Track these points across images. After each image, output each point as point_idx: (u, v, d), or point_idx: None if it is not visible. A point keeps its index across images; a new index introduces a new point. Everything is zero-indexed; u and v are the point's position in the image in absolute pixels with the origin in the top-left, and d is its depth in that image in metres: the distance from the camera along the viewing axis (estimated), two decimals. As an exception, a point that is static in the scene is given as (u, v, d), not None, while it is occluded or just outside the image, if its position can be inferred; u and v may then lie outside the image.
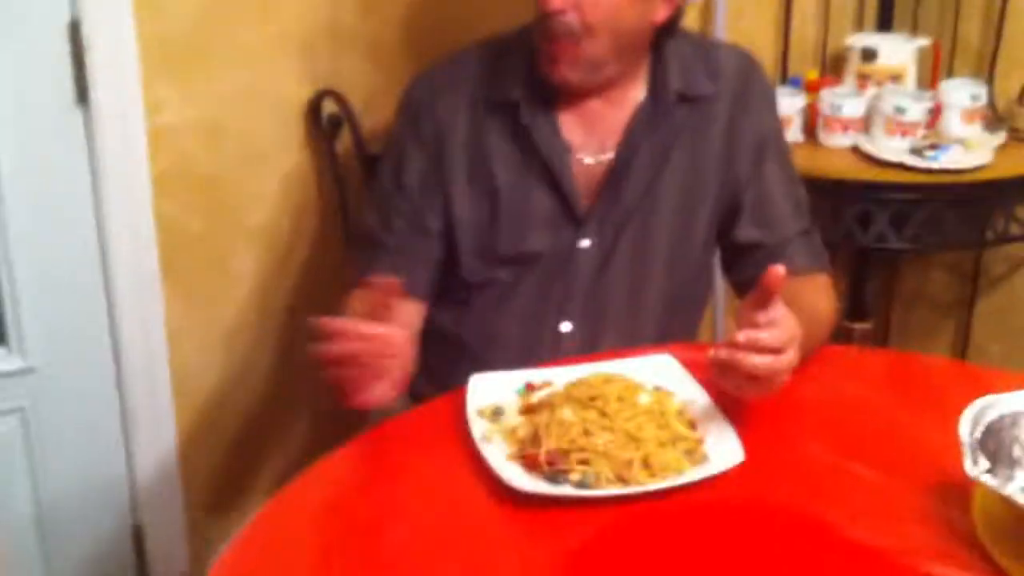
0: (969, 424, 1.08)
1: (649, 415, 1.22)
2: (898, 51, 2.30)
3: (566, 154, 1.51)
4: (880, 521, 1.12)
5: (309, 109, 1.93)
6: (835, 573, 1.07)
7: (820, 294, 1.52)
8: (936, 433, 1.21)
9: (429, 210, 1.54)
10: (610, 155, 1.52)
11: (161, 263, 1.88)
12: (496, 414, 1.28)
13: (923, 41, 2.35)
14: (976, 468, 1.03)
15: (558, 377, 1.33)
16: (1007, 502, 1.02)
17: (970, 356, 2.53)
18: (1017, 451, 1.11)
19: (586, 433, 1.19)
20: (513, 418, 1.27)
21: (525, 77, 1.51)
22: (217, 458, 2.05)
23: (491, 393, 1.31)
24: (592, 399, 1.23)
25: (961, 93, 2.23)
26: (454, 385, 1.33)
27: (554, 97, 1.51)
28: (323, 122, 1.92)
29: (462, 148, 1.53)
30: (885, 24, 2.49)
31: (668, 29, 1.51)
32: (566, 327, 1.55)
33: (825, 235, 2.24)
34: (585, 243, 1.53)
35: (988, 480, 1.02)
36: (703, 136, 1.52)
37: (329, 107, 1.92)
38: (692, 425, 1.24)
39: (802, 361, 1.26)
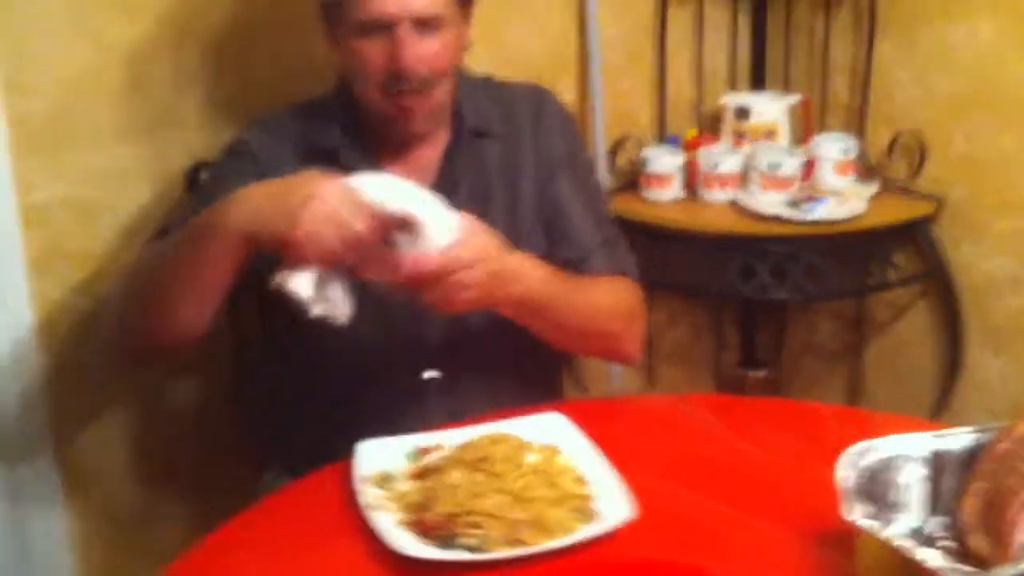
0: (847, 470, 1.09)
1: (537, 474, 1.22)
2: (770, 108, 2.37)
3: None
4: (768, 571, 1.12)
5: (184, 180, 1.90)
6: (727, 625, 1.08)
7: (612, 283, 1.58)
8: (822, 480, 1.22)
9: None
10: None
11: (39, 341, 1.84)
12: (385, 480, 1.26)
13: (794, 98, 2.42)
14: (854, 514, 1.04)
15: (447, 440, 1.32)
16: (889, 547, 1.03)
17: (861, 402, 2.58)
18: (896, 494, 1.13)
19: (475, 496, 1.18)
20: (403, 483, 1.26)
21: (342, 128, 1.57)
22: (103, 545, 1.99)
23: (379, 459, 1.29)
24: (480, 460, 1.23)
25: (833, 146, 2.30)
26: (332, 457, 1.32)
27: (372, 144, 1.57)
28: (201, 193, 1.90)
29: None
30: (758, 83, 2.56)
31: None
32: (427, 375, 1.56)
33: (710, 286, 2.33)
34: None
35: (866, 526, 1.03)
36: (518, 170, 1.59)
37: (205, 178, 1.90)
38: (581, 482, 1.24)
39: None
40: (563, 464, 1.27)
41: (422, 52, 1.47)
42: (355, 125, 1.58)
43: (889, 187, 2.36)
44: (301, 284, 1.32)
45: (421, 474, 1.26)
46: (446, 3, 1.49)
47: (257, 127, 1.63)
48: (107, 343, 1.51)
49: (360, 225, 1.29)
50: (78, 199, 1.84)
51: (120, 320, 1.50)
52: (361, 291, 1.44)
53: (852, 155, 2.30)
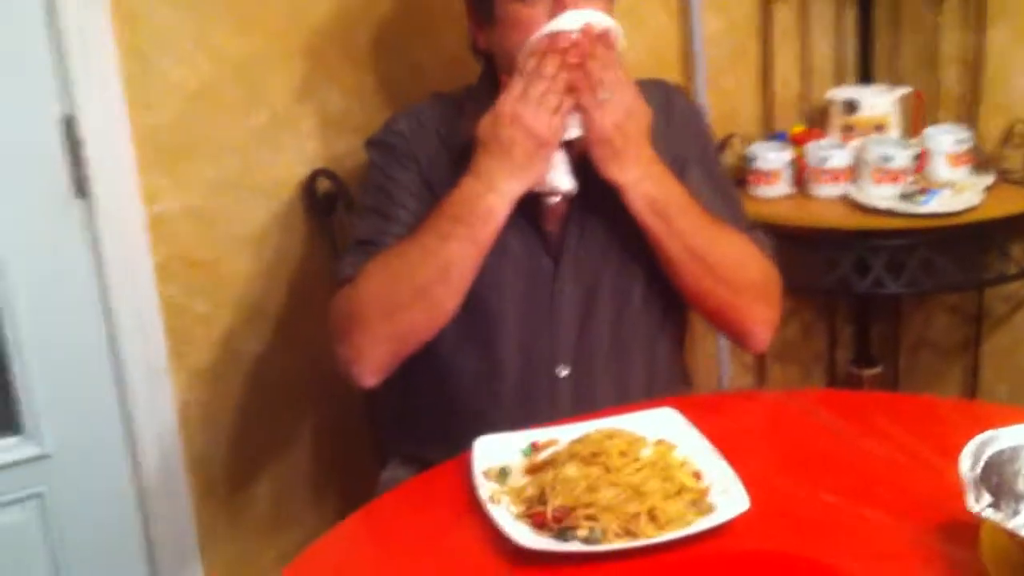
0: (969, 460, 1.08)
1: (653, 468, 1.23)
2: (880, 101, 2.34)
3: (533, 191, 1.52)
4: (887, 564, 1.11)
5: (303, 189, 1.96)
6: (845, 617, 1.07)
7: (745, 243, 1.57)
8: (941, 473, 1.21)
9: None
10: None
11: (168, 346, 1.91)
12: (502, 475, 1.28)
13: (904, 90, 2.39)
14: (978, 504, 1.03)
15: (562, 435, 1.34)
16: (1013, 536, 1.02)
17: (979, 397, 2.53)
18: (1020, 484, 1.11)
19: (591, 489, 1.19)
20: (519, 478, 1.28)
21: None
22: (233, 533, 2.06)
23: (496, 454, 1.32)
24: (595, 455, 1.24)
25: (945, 138, 2.26)
26: (459, 448, 1.34)
27: None
28: (318, 200, 1.95)
29: (438, 185, 1.56)
30: (865, 76, 2.53)
31: None
32: (563, 371, 1.57)
33: (822, 283, 2.30)
34: (566, 286, 1.56)
35: (990, 515, 1.02)
36: None
37: (323, 185, 1.95)
38: (696, 476, 1.25)
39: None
40: (678, 458, 1.27)
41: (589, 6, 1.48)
42: None
43: (1005, 178, 2.31)
44: (563, 179, 1.50)
45: (537, 468, 1.28)
46: None
47: (403, 116, 1.64)
48: (346, 363, 1.52)
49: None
50: (198, 209, 1.91)
51: (365, 336, 1.49)
52: (499, 291, 1.52)
53: (966, 146, 2.26)
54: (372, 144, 1.65)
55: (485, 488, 1.25)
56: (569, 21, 1.45)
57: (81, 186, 1.80)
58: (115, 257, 1.83)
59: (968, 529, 1.10)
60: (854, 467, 1.30)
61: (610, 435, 1.29)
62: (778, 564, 1.14)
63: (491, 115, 1.45)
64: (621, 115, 1.46)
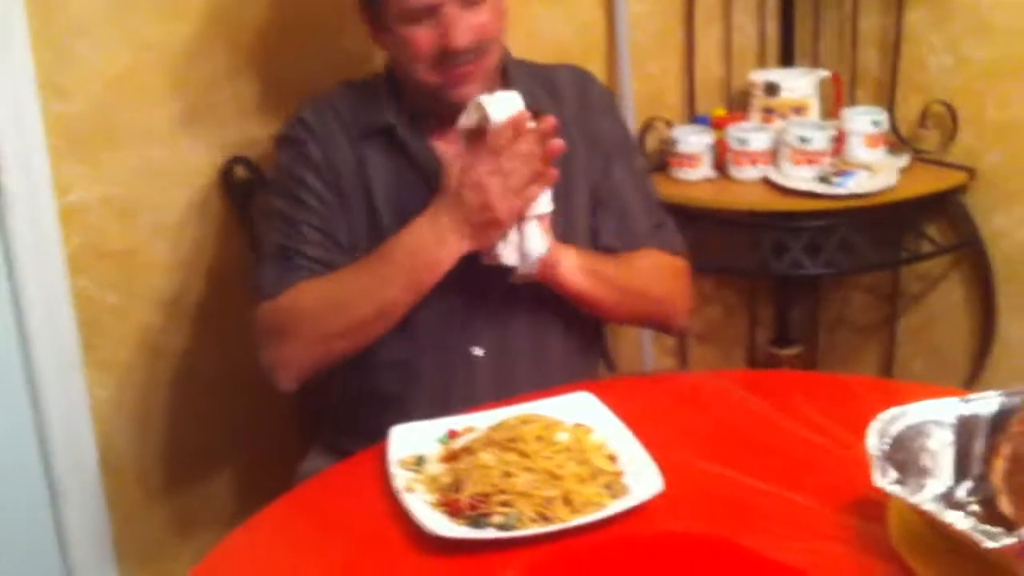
0: (876, 437, 1.10)
1: (568, 452, 1.24)
2: (800, 84, 2.36)
3: (442, 171, 1.55)
4: (801, 542, 1.12)
5: (220, 177, 1.93)
6: (759, 595, 1.08)
7: (652, 259, 1.65)
8: (852, 450, 1.23)
9: (336, 225, 1.57)
10: None
11: (81, 339, 1.88)
12: (419, 463, 1.28)
13: (823, 72, 2.41)
14: (884, 479, 1.05)
15: (480, 422, 1.34)
16: (919, 512, 1.04)
17: (895, 375, 2.57)
18: (925, 460, 1.14)
19: (507, 475, 1.19)
20: (435, 466, 1.28)
21: (395, 108, 1.59)
22: (150, 529, 2.03)
23: (413, 443, 1.32)
24: (512, 440, 1.24)
25: (863, 119, 2.29)
26: (379, 437, 1.34)
27: (424, 125, 1.60)
28: (234, 188, 1.93)
29: (351, 173, 1.58)
30: (786, 59, 2.55)
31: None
32: (478, 351, 1.58)
33: (742, 265, 2.33)
34: (481, 267, 1.55)
35: (896, 491, 1.04)
36: (567, 153, 1.56)
37: (240, 173, 1.93)
38: (612, 459, 1.26)
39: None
40: (594, 442, 1.28)
41: (471, 26, 1.49)
42: (407, 104, 1.60)
43: (921, 158, 2.35)
44: (510, 255, 1.50)
45: (453, 456, 1.28)
46: None
47: (310, 107, 1.64)
48: (271, 370, 1.57)
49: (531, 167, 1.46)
50: (116, 198, 1.87)
51: (295, 352, 1.55)
52: None
53: (882, 127, 2.29)
54: (279, 141, 1.66)
55: (400, 477, 1.25)
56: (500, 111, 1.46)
57: (-9, 176, 1.76)
58: (26, 248, 1.78)
59: (879, 505, 1.12)
60: (769, 447, 1.32)
61: (526, 420, 1.30)
62: (692, 545, 1.15)
63: (462, 170, 1.47)
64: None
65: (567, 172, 1.60)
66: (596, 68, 2.38)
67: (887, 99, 2.41)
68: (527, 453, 1.22)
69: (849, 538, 1.12)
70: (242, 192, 1.92)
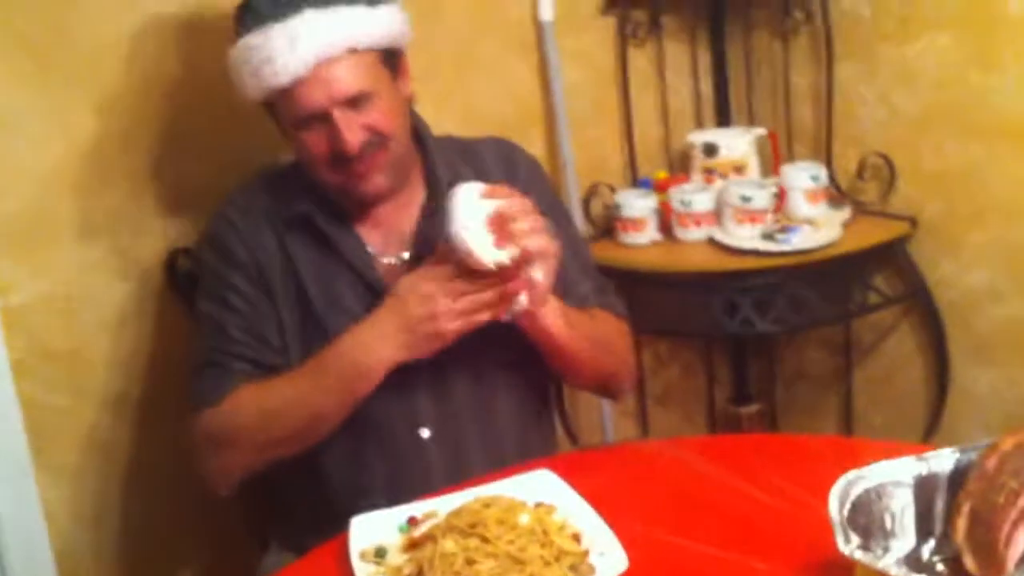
0: (837, 502, 1.09)
1: (531, 535, 1.22)
2: (738, 143, 2.39)
3: (367, 255, 1.57)
4: (768, 610, 1.12)
5: (163, 269, 1.91)
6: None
7: (604, 319, 1.65)
8: (815, 513, 1.22)
9: (264, 324, 1.57)
10: (406, 254, 1.59)
11: (30, 444, 1.83)
12: (379, 554, 1.26)
13: (760, 131, 2.44)
14: (848, 545, 1.04)
15: (441, 507, 1.32)
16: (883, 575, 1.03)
17: (855, 426, 2.57)
18: (888, 521, 1.13)
19: (469, 562, 1.18)
20: (396, 556, 1.26)
21: (312, 196, 1.59)
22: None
23: (374, 533, 1.30)
24: (473, 526, 1.23)
25: (802, 175, 2.31)
26: (337, 528, 1.31)
27: (346, 210, 1.60)
28: (179, 279, 1.90)
29: (276, 265, 1.58)
30: (723, 119, 2.59)
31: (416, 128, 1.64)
32: (425, 432, 1.56)
33: (695, 326, 2.33)
34: None
35: (861, 557, 1.03)
36: None
37: (183, 264, 1.91)
38: (576, 538, 1.24)
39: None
40: (556, 522, 1.27)
41: (361, 125, 1.50)
42: (323, 192, 1.60)
43: (862, 210, 2.37)
44: None
45: (414, 544, 1.26)
46: (369, 76, 1.51)
47: (232, 205, 1.65)
48: (209, 479, 1.61)
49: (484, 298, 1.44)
50: (58, 297, 1.84)
51: (233, 460, 1.57)
52: None
53: (821, 182, 2.31)
54: (204, 241, 1.67)
55: (362, 570, 1.22)
56: (478, 204, 1.41)
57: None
58: (-32, 354, 1.75)
59: (843, 568, 1.10)
60: (730, 514, 1.31)
61: (488, 503, 1.28)
62: (661, 622, 1.14)
63: (413, 280, 1.47)
64: (553, 268, 1.45)
65: None
66: (536, 137, 2.40)
67: (824, 153, 2.44)
68: (489, 539, 1.20)
69: (817, 605, 1.11)
70: (186, 283, 1.89)
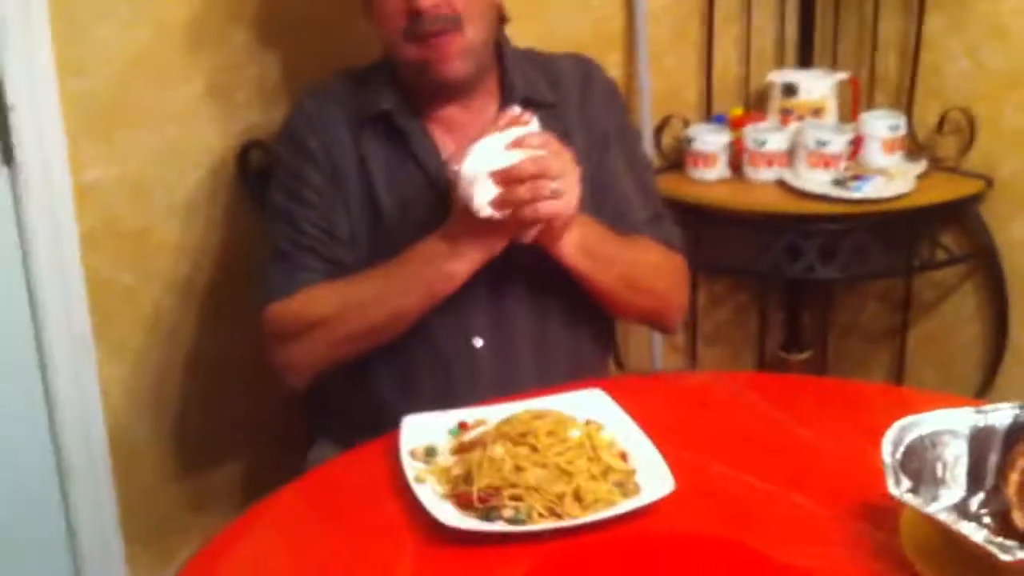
0: (891, 445, 1.09)
1: (580, 449, 1.23)
2: (818, 86, 2.36)
3: (439, 160, 1.58)
4: (810, 546, 1.12)
5: (236, 161, 1.93)
6: (767, 599, 1.08)
7: (653, 251, 1.64)
8: (864, 457, 1.22)
9: (336, 218, 1.59)
10: None
11: (92, 318, 1.87)
12: (429, 454, 1.28)
13: (842, 75, 2.40)
14: (898, 488, 1.04)
15: (491, 415, 1.34)
16: (932, 521, 1.03)
17: (906, 382, 2.56)
18: (939, 470, 1.13)
19: (518, 469, 1.19)
20: (446, 458, 1.27)
21: (392, 93, 1.59)
22: (156, 511, 2.03)
23: (424, 434, 1.31)
24: (523, 435, 1.24)
25: (880, 124, 2.28)
26: (380, 430, 1.34)
27: (420, 109, 1.60)
28: (251, 172, 1.92)
29: (350, 162, 1.59)
30: (805, 60, 2.55)
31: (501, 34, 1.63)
32: (478, 342, 1.58)
33: (754, 267, 2.32)
34: None
35: (910, 500, 1.03)
36: (566, 140, 1.55)
37: (256, 157, 1.93)
38: (623, 457, 1.25)
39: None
40: (605, 439, 1.27)
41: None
42: (404, 89, 1.60)
43: (937, 165, 2.34)
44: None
45: (464, 448, 1.28)
46: None
47: (310, 98, 1.65)
48: (281, 370, 1.61)
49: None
50: (131, 178, 1.87)
51: (306, 355, 1.58)
52: None
53: (900, 133, 2.28)
54: (279, 138, 1.68)
55: (411, 468, 1.24)
56: (498, 153, 1.42)
57: (8, 153, 1.75)
58: (40, 226, 1.78)
59: (890, 513, 1.12)
60: (780, 450, 1.31)
61: (538, 415, 1.29)
62: (702, 546, 1.15)
63: (458, 201, 1.45)
64: (576, 193, 1.45)
65: None
66: (613, 63, 2.38)
67: (905, 104, 2.40)
68: (538, 448, 1.22)
69: (859, 544, 1.12)
70: (257, 176, 1.91)
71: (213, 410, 2.05)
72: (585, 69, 1.69)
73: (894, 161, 2.27)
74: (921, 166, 2.30)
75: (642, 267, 1.60)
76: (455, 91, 1.58)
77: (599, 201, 1.63)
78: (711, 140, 2.33)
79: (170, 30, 1.86)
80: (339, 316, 1.54)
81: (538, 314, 1.61)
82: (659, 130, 2.45)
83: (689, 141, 2.36)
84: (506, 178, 1.40)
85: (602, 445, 1.25)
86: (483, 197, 1.41)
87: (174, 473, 2.04)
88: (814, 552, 1.11)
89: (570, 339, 1.64)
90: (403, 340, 1.56)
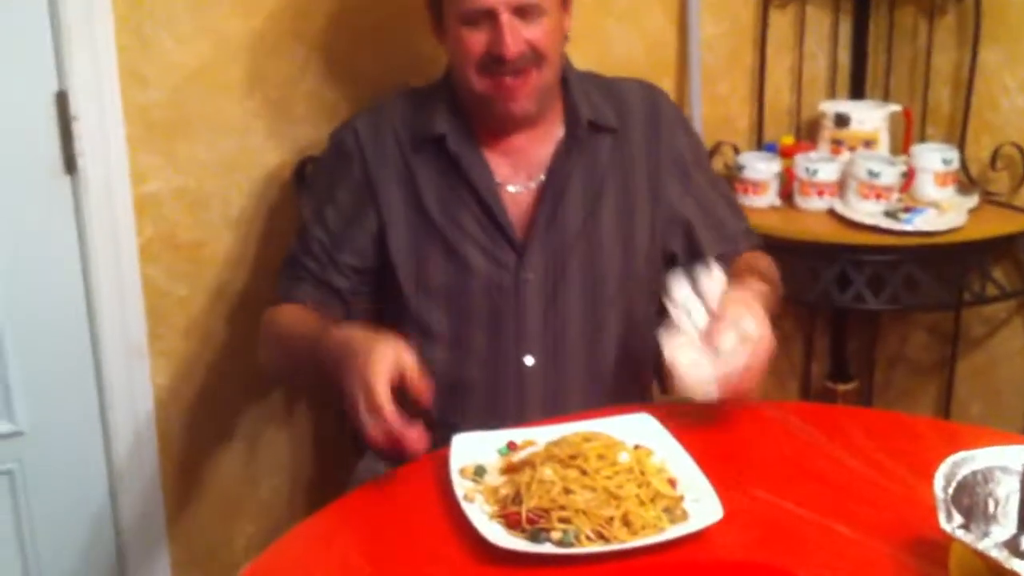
0: (943, 480, 1.09)
1: (629, 473, 1.24)
2: (870, 116, 2.35)
3: (494, 183, 1.59)
4: (856, 577, 1.12)
5: (292, 175, 1.95)
6: (813, 629, 1.08)
7: (764, 259, 1.72)
8: (914, 490, 1.22)
9: (351, 245, 1.62)
10: (533, 185, 1.60)
11: (147, 327, 1.90)
12: (478, 473, 1.29)
13: (894, 107, 2.40)
14: (950, 523, 1.04)
15: (540, 436, 1.34)
16: (982, 557, 1.03)
17: (952, 416, 2.53)
18: (991, 506, 1.13)
19: (566, 491, 1.20)
20: (495, 477, 1.28)
21: (449, 116, 1.61)
22: (202, 519, 2.05)
23: (473, 452, 1.32)
24: (572, 457, 1.25)
25: (933, 157, 2.26)
26: (432, 444, 1.34)
27: (478, 135, 1.61)
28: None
29: (396, 185, 1.61)
30: (857, 91, 2.54)
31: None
32: (529, 360, 1.59)
33: (803, 295, 2.31)
34: (530, 275, 1.58)
35: (962, 535, 1.03)
36: (630, 166, 1.61)
37: (313, 172, 1.95)
38: (672, 483, 1.25)
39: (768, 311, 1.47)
40: (654, 465, 1.28)
41: (524, 37, 1.51)
42: (461, 113, 1.61)
43: (990, 200, 2.32)
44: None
45: (513, 468, 1.28)
46: None
47: (364, 117, 1.67)
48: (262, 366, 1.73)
49: None
50: (186, 189, 1.90)
51: (262, 352, 1.69)
52: (462, 280, 1.55)
53: (953, 166, 2.27)
54: (330, 138, 1.70)
55: (460, 486, 1.25)
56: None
57: (71, 162, 1.79)
58: (100, 235, 1.82)
59: (938, 547, 1.11)
60: (827, 480, 1.31)
61: (588, 438, 1.30)
62: (749, 574, 1.15)
63: (364, 363, 1.33)
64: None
65: (628, 188, 1.62)
66: (666, 86, 2.37)
67: (958, 138, 2.38)
68: (588, 471, 1.22)
69: (907, 578, 1.12)
70: (313, 191, 1.94)
71: (261, 422, 2.07)
72: (652, 96, 1.70)
73: (946, 194, 2.26)
74: (973, 200, 2.28)
75: (772, 284, 1.63)
76: (521, 124, 1.60)
77: (703, 221, 1.67)
78: (762, 168, 2.33)
79: (231, 44, 1.89)
80: (279, 346, 1.62)
81: (591, 336, 1.62)
82: (710, 156, 2.45)
83: (740, 168, 2.35)
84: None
85: (652, 471, 1.26)
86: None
87: (220, 483, 2.06)
88: (861, 584, 1.11)
89: (619, 361, 1.64)
90: (456, 357, 1.57)
